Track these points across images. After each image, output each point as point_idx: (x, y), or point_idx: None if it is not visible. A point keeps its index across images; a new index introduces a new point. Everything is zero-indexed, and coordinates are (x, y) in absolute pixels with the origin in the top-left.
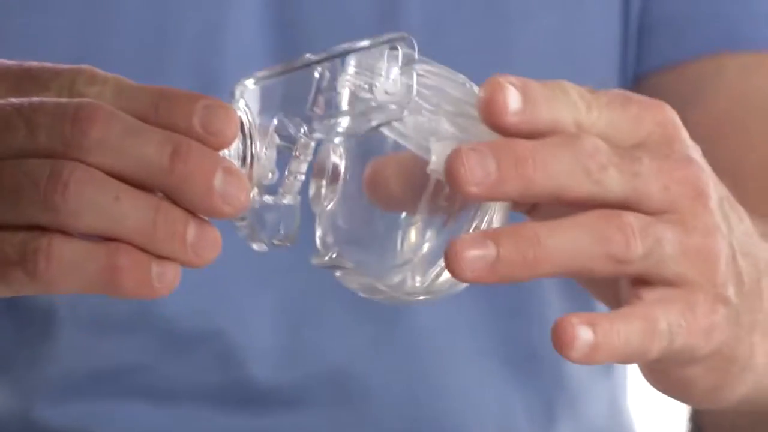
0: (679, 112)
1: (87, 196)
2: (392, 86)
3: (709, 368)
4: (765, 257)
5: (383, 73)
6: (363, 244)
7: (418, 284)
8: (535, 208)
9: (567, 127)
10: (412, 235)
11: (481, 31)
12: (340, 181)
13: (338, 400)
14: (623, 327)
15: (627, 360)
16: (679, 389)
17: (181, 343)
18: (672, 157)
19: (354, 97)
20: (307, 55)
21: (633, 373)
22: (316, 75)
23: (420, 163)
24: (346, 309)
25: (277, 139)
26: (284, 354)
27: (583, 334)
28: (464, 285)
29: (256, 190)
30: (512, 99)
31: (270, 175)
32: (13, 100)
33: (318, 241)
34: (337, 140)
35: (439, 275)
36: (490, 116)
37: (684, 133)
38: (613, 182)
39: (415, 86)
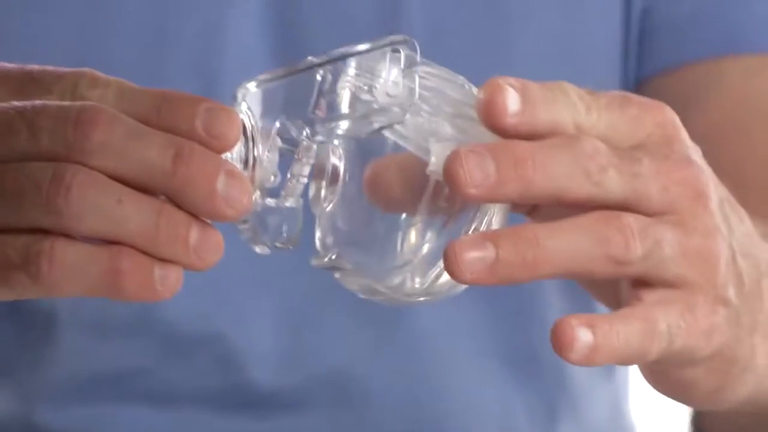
0: (680, 115)
1: (89, 199)
2: (394, 89)
3: (710, 369)
4: (765, 258)
5: (385, 75)
6: (363, 246)
7: (417, 285)
8: (535, 209)
9: (566, 128)
10: (412, 236)
11: (482, 32)
12: (340, 183)
13: (339, 402)
14: (623, 328)
15: (627, 361)
16: (679, 390)
17: (181, 346)
18: (672, 158)
19: (356, 100)
20: (309, 57)
21: (634, 375)
22: (318, 78)
23: (420, 165)
24: (346, 311)
25: (279, 142)
26: (285, 357)
27: (583, 336)
28: (464, 286)
29: (258, 192)
30: (511, 100)
31: (272, 177)
32: (16, 103)
33: (317, 243)
34: (337, 142)
35: (438, 276)
36: (490, 118)
37: (684, 134)
38: (613, 183)
39: (417, 89)
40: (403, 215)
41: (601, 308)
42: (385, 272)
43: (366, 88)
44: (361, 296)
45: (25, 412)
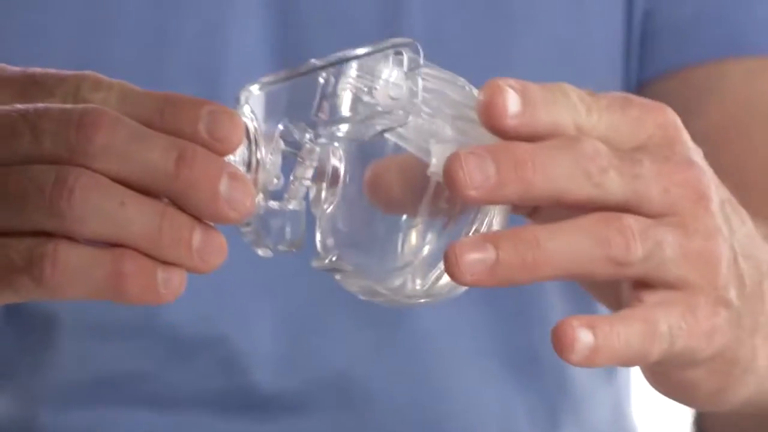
0: (682, 117)
1: (92, 201)
2: (397, 91)
3: (711, 371)
4: (767, 259)
5: (388, 78)
6: (363, 247)
7: (418, 287)
8: (536, 210)
9: (567, 129)
10: (413, 237)
11: (483, 34)
12: (340, 184)
13: (341, 404)
14: (623, 329)
15: (627, 363)
16: (681, 392)
17: (183, 349)
18: (673, 160)
19: (359, 102)
20: (312, 60)
21: (636, 377)
22: (321, 80)
23: (420, 166)
24: (347, 314)
25: (282, 145)
26: (286, 359)
27: (584, 337)
28: (465, 288)
29: (261, 195)
30: (511, 102)
31: (275, 180)
32: (19, 106)
33: (318, 244)
34: (336, 144)
35: (439, 278)
36: (490, 119)
37: (685, 136)
38: (614, 185)
39: (420, 92)
40: (404, 216)
41: (603, 309)
42: (385, 274)
43: (369, 90)
44: (362, 298)
45: (26, 415)
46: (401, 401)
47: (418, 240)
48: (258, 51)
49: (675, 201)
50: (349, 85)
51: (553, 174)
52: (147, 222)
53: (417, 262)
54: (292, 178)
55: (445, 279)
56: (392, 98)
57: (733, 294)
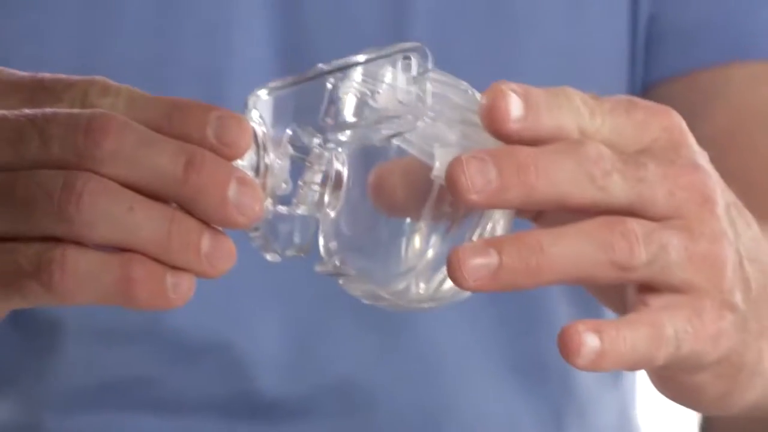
0: (688, 121)
1: (101, 207)
2: (406, 96)
3: (718, 375)
4: None
5: (397, 83)
6: (366, 251)
7: (422, 291)
8: (540, 214)
9: (570, 133)
10: (416, 241)
11: (487, 38)
12: (343, 188)
13: (345, 410)
14: (630, 334)
15: (634, 367)
16: (687, 396)
17: (188, 355)
18: (678, 163)
19: (366, 107)
20: (320, 65)
21: (642, 381)
22: (329, 85)
23: (424, 169)
24: (352, 319)
25: (290, 150)
26: (291, 365)
27: (590, 341)
28: (469, 292)
29: (269, 200)
30: (514, 106)
31: (284, 185)
32: (27, 111)
33: (321, 249)
34: (340, 148)
35: (443, 282)
36: (492, 123)
37: (691, 139)
38: (618, 188)
39: (429, 97)
40: (408, 220)
41: (609, 314)
42: (389, 278)
43: (377, 95)
44: (365, 302)
45: (31, 420)
46: (406, 406)
47: (421, 244)
48: (261, 52)
49: (680, 204)
50: (356, 90)
51: (556, 178)
52: (156, 227)
53: (420, 267)
54: (300, 183)
55: (449, 283)
56: (401, 103)
57: (738, 297)
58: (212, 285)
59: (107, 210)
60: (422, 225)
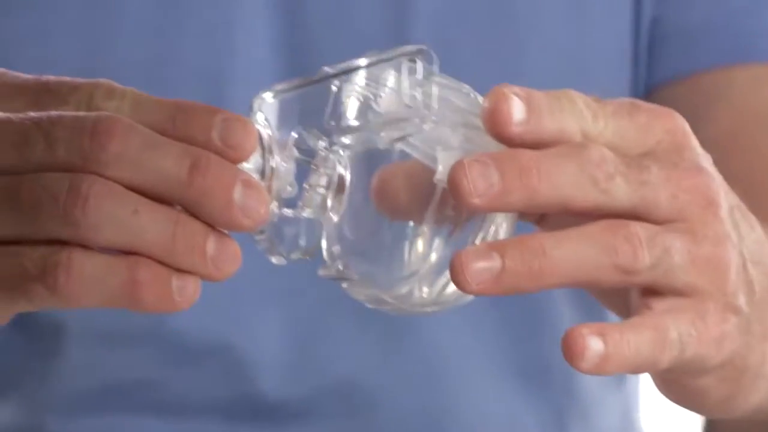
0: (690, 123)
1: (106, 209)
2: (411, 99)
3: (721, 378)
4: None
5: (403, 86)
6: (370, 255)
7: (425, 295)
8: (544, 218)
9: (573, 136)
10: (419, 245)
11: (489, 41)
12: (346, 192)
13: (347, 412)
14: (633, 337)
15: (637, 370)
16: (691, 399)
17: (190, 357)
18: (681, 166)
19: (372, 110)
20: (325, 68)
21: (645, 384)
22: (334, 88)
23: (427, 173)
24: (354, 322)
25: (295, 153)
26: (293, 367)
27: (594, 345)
28: (472, 296)
29: (275, 203)
30: (516, 109)
31: (289, 188)
32: (32, 114)
33: (324, 252)
34: (343, 151)
35: (446, 286)
36: (495, 126)
37: (694, 141)
38: (621, 191)
39: (435, 100)
40: (410, 224)
41: (612, 317)
42: (392, 282)
43: (382, 98)
44: (369, 306)
45: (34, 423)
46: (408, 409)
47: (424, 248)
48: (263, 52)
49: (683, 207)
50: (361, 93)
51: (559, 181)
52: (161, 230)
53: (423, 270)
54: (306, 186)
55: (452, 287)
56: (407, 106)
57: (742, 300)
58: (215, 288)
59: (112, 213)
60: (425, 229)
